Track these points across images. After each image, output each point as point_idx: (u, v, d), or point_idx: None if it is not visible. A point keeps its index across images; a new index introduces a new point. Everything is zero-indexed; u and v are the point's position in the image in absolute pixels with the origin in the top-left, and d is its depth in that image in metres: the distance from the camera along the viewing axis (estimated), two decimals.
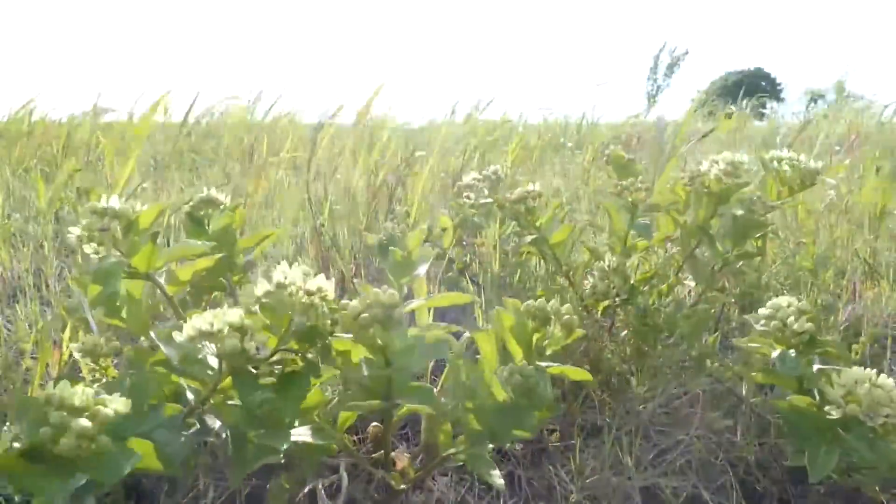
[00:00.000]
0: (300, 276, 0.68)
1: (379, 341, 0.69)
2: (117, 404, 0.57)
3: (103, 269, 0.79)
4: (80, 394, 0.55)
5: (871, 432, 0.75)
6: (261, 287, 0.67)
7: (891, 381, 0.77)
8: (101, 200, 0.80)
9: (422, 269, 0.90)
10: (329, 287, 0.69)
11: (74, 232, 0.81)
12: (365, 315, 0.67)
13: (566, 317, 0.80)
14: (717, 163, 1.14)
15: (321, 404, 0.76)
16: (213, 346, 0.65)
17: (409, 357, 0.72)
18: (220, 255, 0.89)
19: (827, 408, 0.77)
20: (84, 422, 0.54)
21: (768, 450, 1.04)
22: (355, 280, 0.93)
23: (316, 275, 0.68)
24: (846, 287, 1.55)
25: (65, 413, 0.54)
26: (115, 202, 0.80)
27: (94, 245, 0.81)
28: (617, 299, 1.16)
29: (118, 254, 0.82)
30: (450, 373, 0.83)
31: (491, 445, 0.80)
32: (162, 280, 0.87)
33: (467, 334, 0.90)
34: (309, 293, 0.66)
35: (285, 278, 0.67)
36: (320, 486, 0.89)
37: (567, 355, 1.10)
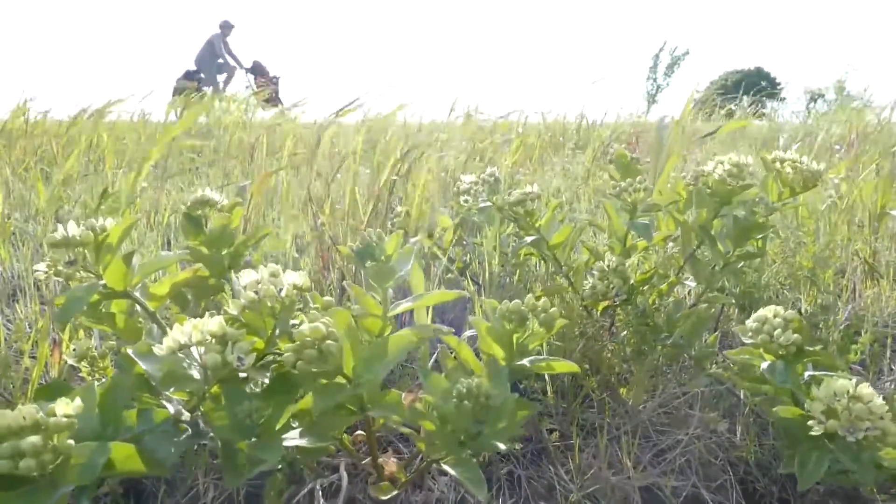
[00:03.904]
0: (267, 276, 0.67)
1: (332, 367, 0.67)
2: (66, 409, 0.56)
3: (73, 296, 0.76)
4: (22, 414, 0.54)
5: (854, 444, 0.75)
6: (237, 295, 0.67)
7: (870, 390, 0.76)
8: (60, 228, 0.76)
9: (403, 271, 0.89)
10: (303, 281, 0.68)
11: (40, 269, 0.79)
12: (301, 363, 0.65)
13: (544, 312, 0.79)
14: (721, 164, 1.13)
15: None
16: (197, 354, 0.64)
17: (372, 369, 0.70)
18: (199, 265, 0.89)
19: (809, 423, 0.77)
20: (33, 439, 0.53)
21: (768, 450, 1.04)
22: (345, 283, 0.92)
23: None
24: (846, 287, 1.55)
25: (14, 438, 0.53)
26: (73, 229, 0.76)
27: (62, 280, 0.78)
28: (616, 299, 1.16)
29: (89, 276, 0.79)
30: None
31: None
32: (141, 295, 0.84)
33: (468, 332, 0.90)
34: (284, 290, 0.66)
35: (258, 282, 0.66)
36: (318, 487, 0.89)
37: (566, 355, 1.10)
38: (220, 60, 10.17)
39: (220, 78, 10.15)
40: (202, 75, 10.16)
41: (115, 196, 1.56)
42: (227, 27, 10.29)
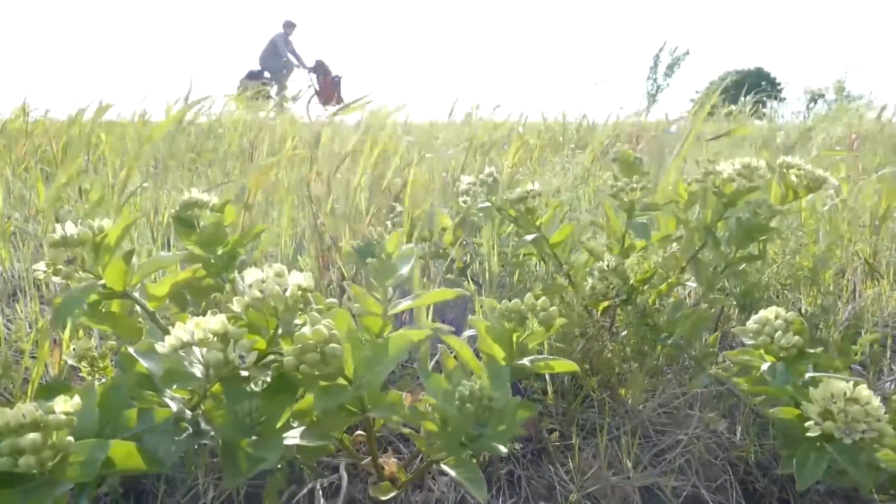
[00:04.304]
0: (272, 275, 0.67)
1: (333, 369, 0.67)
2: (65, 406, 0.56)
3: (71, 297, 0.76)
4: (21, 411, 0.54)
5: (851, 445, 0.74)
6: (240, 293, 0.67)
7: (867, 392, 0.75)
8: (58, 228, 0.75)
9: (404, 270, 0.89)
10: (307, 282, 0.68)
11: (39, 268, 0.78)
12: (303, 366, 0.65)
13: (543, 311, 0.79)
14: (732, 165, 1.14)
15: None
16: (199, 352, 0.64)
17: (372, 370, 0.70)
18: (198, 265, 0.88)
19: (806, 424, 0.77)
20: (33, 436, 0.53)
21: (768, 450, 1.04)
22: (345, 283, 0.92)
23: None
24: (846, 287, 1.55)
25: (13, 436, 0.53)
26: (71, 228, 0.76)
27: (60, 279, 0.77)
28: (616, 299, 1.16)
29: (89, 276, 0.79)
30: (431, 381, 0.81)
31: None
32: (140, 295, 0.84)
33: (468, 332, 0.90)
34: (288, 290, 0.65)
35: (262, 280, 0.66)
36: (318, 487, 0.89)
37: (566, 355, 1.10)
38: (284, 59, 10.25)
39: (289, 78, 10.25)
40: (267, 74, 10.25)
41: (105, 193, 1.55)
42: (289, 26, 10.40)
